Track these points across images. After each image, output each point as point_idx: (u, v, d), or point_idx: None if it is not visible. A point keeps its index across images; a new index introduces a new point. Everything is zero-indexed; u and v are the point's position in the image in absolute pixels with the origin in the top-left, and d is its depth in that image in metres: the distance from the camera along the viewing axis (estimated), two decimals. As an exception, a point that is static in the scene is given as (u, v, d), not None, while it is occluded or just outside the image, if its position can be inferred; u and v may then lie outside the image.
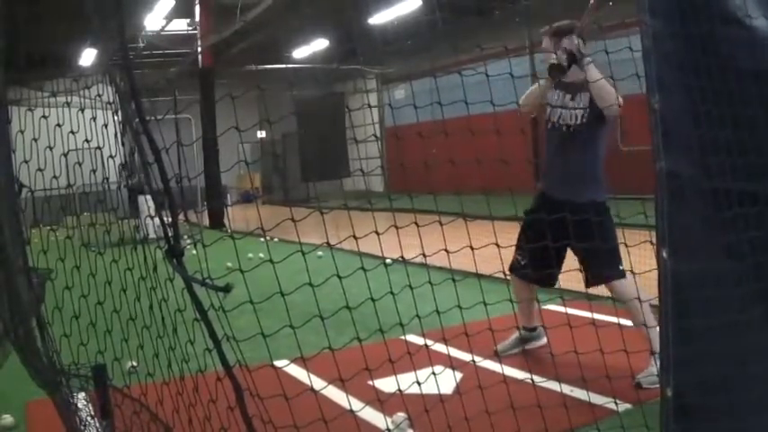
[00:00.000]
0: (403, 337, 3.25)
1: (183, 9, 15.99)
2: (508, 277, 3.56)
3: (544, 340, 4.43)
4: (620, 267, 3.79)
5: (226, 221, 14.37)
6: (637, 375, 3.66)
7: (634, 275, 3.31)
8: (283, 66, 20.19)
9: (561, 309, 3.59)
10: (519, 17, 16.32)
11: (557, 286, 4.35)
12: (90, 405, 3.21)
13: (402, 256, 3.23)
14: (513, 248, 4.16)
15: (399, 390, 2.98)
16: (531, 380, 3.26)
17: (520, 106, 4.05)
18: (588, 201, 3.81)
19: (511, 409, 3.01)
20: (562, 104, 3.99)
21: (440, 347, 3.46)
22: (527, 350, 4.41)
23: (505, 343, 4.40)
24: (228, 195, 20.65)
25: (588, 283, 3.91)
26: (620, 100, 3.66)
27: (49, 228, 3.03)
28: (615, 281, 3.81)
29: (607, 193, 3.96)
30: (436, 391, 3.17)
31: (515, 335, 4.41)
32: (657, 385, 2.20)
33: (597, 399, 3.41)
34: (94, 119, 2.84)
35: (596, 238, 3.42)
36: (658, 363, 2.17)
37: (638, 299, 3.44)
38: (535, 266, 3.98)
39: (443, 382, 3.62)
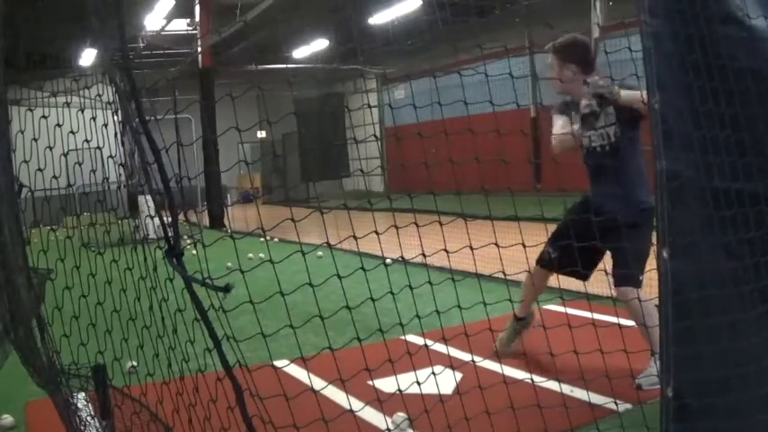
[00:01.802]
0: (403, 338, 3.25)
1: (183, 9, 16.02)
2: (508, 277, 3.55)
3: (537, 318, 4.41)
4: (641, 278, 3.76)
5: (226, 221, 14.38)
6: (637, 377, 3.66)
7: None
8: (283, 66, 20.19)
9: (561, 309, 3.59)
10: (519, 17, 16.34)
11: (557, 286, 4.34)
12: (90, 405, 3.21)
13: (402, 256, 3.23)
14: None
15: (399, 390, 2.98)
16: (531, 380, 3.26)
17: (554, 148, 3.96)
18: (638, 210, 3.74)
19: (511, 409, 3.01)
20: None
21: (440, 347, 3.46)
22: (527, 350, 4.40)
23: (502, 336, 4.41)
24: (228, 195, 20.65)
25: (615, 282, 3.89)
26: (644, 95, 3.63)
27: (49, 228, 3.03)
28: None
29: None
30: (436, 392, 3.17)
31: (510, 326, 4.43)
32: (657, 386, 2.20)
33: (597, 399, 3.40)
34: (94, 119, 2.84)
35: (633, 246, 3.40)
36: (658, 363, 2.17)
37: (639, 299, 3.44)
38: (564, 264, 3.96)
39: (443, 382, 3.62)
